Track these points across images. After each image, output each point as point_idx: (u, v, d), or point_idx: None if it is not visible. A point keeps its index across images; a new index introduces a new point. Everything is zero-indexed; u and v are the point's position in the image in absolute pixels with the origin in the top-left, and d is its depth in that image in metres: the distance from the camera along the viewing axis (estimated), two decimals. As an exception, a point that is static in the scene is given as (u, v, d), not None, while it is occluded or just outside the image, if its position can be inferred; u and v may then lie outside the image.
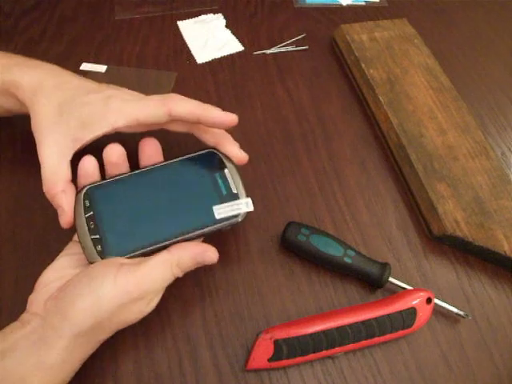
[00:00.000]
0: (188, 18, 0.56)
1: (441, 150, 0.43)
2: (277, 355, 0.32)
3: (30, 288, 0.36)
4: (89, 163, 0.34)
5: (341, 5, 0.60)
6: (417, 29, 0.53)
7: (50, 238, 0.38)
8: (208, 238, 0.34)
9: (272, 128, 0.47)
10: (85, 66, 0.50)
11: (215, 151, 0.36)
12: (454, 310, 0.36)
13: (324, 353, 0.33)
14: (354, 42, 0.51)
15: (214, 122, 0.34)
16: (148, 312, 0.31)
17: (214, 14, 0.57)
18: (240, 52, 0.53)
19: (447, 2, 0.62)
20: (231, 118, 0.35)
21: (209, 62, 0.52)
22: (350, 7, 0.60)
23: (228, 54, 0.53)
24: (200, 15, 0.57)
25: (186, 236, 0.32)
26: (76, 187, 0.34)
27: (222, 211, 0.33)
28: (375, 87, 0.47)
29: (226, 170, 0.35)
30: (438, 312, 0.37)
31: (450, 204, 0.40)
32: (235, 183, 0.34)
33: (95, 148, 0.35)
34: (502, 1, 0.63)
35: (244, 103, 0.49)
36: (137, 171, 0.35)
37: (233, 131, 0.46)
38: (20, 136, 0.44)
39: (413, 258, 0.40)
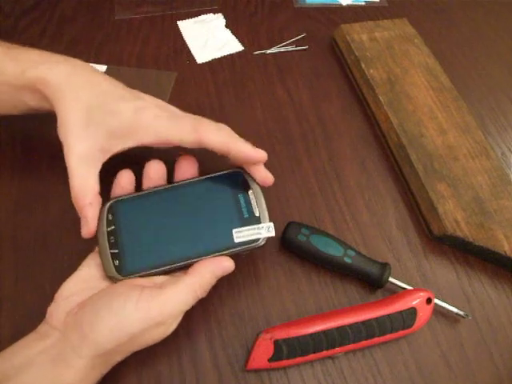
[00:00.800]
0: (188, 18, 0.56)
1: (441, 150, 0.43)
2: (277, 355, 0.32)
3: (30, 288, 0.36)
4: (125, 178, 0.34)
5: (341, 5, 0.60)
6: (417, 29, 0.53)
7: (50, 238, 0.38)
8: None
9: (272, 128, 0.47)
10: (85, 66, 0.50)
11: (241, 171, 0.35)
12: (454, 309, 0.36)
13: (324, 353, 0.33)
14: (354, 42, 0.51)
15: (243, 157, 0.33)
16: (168, 334, 0.30)
17: (214, 13, 0.57)
18: (240, 52, 0.53)
19: (447, 2, 0.62)
20: (260, 155, 0.34)
21: (209, 61, 0.52)
22: (350, 7, 0.60)
23: (228, 54, 0.53)
24: (200, 15, 0.57)
25: (204, 258, 0.32)
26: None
27: (241, 235, 0.32)
28: (375, 87, 0.47)
29: (250, 192, 0.34)
30: (438, 312, 0.37)
31: (450, 204, 0.40)
32: (258, 206, 0.34)
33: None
34: (502, 1, 0.63)
35: (244, 103, 0.49)
36: (161, 187, 0.34)
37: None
38: (20, 136, 0.44)
39: (413, 258, 0.40)
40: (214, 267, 0.31)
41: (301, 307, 0.36)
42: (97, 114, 0.33)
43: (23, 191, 0.41)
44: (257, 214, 0.33)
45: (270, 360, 0.32)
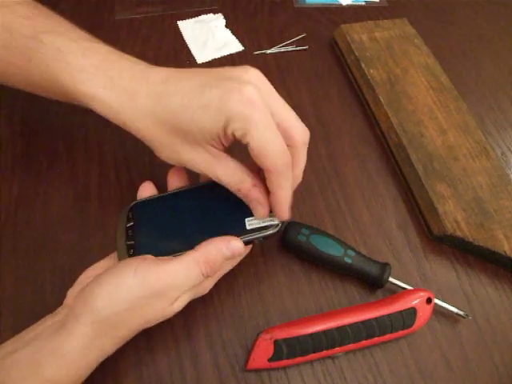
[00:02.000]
0: (188, 18, 0.56)
1: (441, 150, 0.43)
2: (277, 355, 0.32)
3: (29, 288, 0.36)
4: (146, 190, 0.35)
5: (341, 5, 0.60)
6: (417, 29, 0.53)
7: (50, 238, 0.38)
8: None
9: (272, 128, 0.47)
10: (85, 66, 0.50)
11: None
12: (454, 309, 0.36)
13: (324, 353, 0.33)
14: (354, 42, 0.51)
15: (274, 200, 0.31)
16: (171, 313, 0.30)
17: (214, 13, 0.57)
18: (240, 52, 0.53)
19: (447, 2, 0.62)
20: (284, 216, 0.31)
21: (209, 61, 0.52)
22: (350, 7, 0.60)
23: (228, 54, 0.53)
24: (200, 15, 0.57)
25: None
26: None
27: (253, 222, 0.32)
28: (375, 87, 0.47)
29: None
30: (438, 312, 0.37)
31: (450, 204, 0.40)
32: None
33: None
34: (502, 1, 0.63)
35: (244, 103, 0.49)
36: (179, 189, 0.35)
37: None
38: (20, 136, 0.44)
39: (413, 258, 0.40)
40: (221, 244, 0.31)
41: (301, 307, 0.36)
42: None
43: (23, 191, 0.41)
44: None
45: (269, 360, 0.32)
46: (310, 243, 0.36)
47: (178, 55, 0.52)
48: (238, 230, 0.32)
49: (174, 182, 0.36)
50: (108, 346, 0.29)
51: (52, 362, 0.27)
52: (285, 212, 0.31)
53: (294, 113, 0.31)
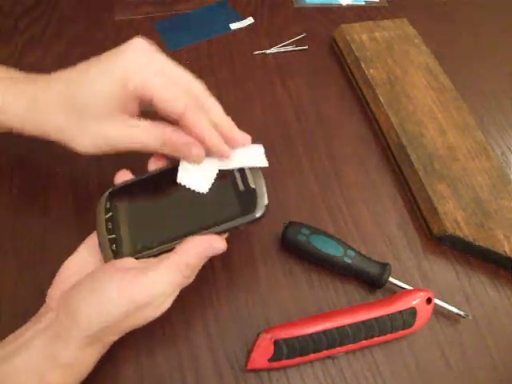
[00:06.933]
0: (188, 18, 0.56)
1: (441, 150, 0.43)
2: (277, 355, 0.32)
3: (29, 289, 0.36)
4: (123, 177, 0.35)
5: (341, 5, 0.60)
6: (417, 29, 0.53)
7: (49, 239, 0.38)
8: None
9: (272, 128, 0.47)
10: (85, 66, 0.50)
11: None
12: (454, 310, 0.36)
13: (324, 353, 0.33)
14: (354, 42, 0.51)
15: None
16: (159, 314, 0.30)
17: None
18: (240, 52, 0.53)
19: (447, 2, 0.62)
20: (223, 150, 0.32)
21: (209, 61, 0.52)
22: (349, 7, 0.60)
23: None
24: (200, 15, 0.57)
25: (200, 234, 0.31)
26: None
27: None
28: (375, 87, 0.47)
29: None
30: (438, 312, 0.37)
31: (450, 204, 0.40)
32: (255, 178, 0.32)
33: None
34: (502, 1, 0.63)
35: (244, 103, 0.49)
36: (157, 171, 0.34)
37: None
38: (20, 136, 0.44)
39: (413, 258, 0.40)
40: (202, 248, 0.30)
41: (301, 307, 0.36)
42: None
43: (23, 191, 0.41)
44: (252, 186, 0.32)
45: (270, 360, 0.32)
46: (310, 243, 0.36)
47: (178, 55, 0.52)
48: (223, 217, 0.31)
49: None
50: (101, 348, 0.30)
51: (54, 370, 0.27)
52: (220, 146, 0.32)
53: (177, 67, 0.34)
